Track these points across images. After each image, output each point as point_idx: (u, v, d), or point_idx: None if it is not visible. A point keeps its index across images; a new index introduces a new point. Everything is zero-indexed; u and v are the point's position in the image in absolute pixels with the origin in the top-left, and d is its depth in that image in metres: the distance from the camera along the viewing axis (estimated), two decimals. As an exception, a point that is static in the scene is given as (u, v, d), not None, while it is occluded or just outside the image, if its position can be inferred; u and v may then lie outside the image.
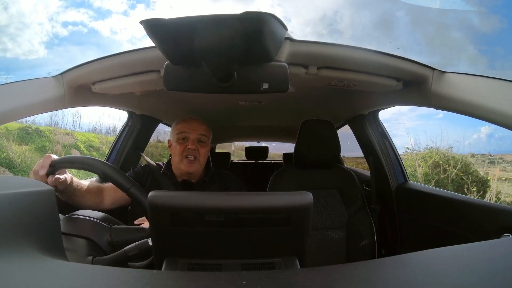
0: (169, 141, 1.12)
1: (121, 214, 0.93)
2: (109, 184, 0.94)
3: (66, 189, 0.75)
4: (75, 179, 0.80)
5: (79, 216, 0.62)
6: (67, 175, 0.74)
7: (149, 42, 0.51)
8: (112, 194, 0.93)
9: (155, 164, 1.13)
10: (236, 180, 1.16)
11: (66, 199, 0.78)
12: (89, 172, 0.69)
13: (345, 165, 2.30)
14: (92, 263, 0.54)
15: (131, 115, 1.50)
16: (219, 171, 1.17)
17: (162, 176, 1.07)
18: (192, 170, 1.03)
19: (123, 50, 0.80)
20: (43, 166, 0.65)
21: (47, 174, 0.66)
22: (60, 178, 0.70)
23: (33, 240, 0.35)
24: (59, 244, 0.41)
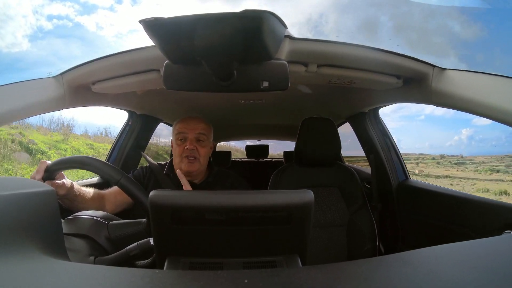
0: (171, 141, 1.11)
1: (124, 216, 0.93)
2: (110, 190, 0.95)
3: (67, 195, 0.75)
4: (76, 186, 0.79)
5: (78, 216, 0.62)
6: (66, 180, 0.74)
7: (146, 42, 0.51)
8: (113, 199, 0.94)
9: (156, 163, 1.12)
10: (241, 180, 1.14)
11: (69, 206, 0.78)
12: (89, 172, 0.69)
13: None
14: (94, 263, 0.55)
15: (131, 115, 1.50)
16: (223, 171, 1.15)
17: (165, 177, 1.07)
18: (192, 169, 1.02)
19: (120, 50, 0.80)
20: (38, 172, 0.66)
21: (44, 180, 0.66)
22: (57, 183, 0.70)
23: (35, 241, 0.36)
24: (61, 244, 0.42)
